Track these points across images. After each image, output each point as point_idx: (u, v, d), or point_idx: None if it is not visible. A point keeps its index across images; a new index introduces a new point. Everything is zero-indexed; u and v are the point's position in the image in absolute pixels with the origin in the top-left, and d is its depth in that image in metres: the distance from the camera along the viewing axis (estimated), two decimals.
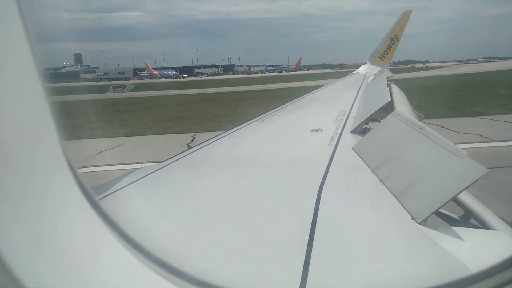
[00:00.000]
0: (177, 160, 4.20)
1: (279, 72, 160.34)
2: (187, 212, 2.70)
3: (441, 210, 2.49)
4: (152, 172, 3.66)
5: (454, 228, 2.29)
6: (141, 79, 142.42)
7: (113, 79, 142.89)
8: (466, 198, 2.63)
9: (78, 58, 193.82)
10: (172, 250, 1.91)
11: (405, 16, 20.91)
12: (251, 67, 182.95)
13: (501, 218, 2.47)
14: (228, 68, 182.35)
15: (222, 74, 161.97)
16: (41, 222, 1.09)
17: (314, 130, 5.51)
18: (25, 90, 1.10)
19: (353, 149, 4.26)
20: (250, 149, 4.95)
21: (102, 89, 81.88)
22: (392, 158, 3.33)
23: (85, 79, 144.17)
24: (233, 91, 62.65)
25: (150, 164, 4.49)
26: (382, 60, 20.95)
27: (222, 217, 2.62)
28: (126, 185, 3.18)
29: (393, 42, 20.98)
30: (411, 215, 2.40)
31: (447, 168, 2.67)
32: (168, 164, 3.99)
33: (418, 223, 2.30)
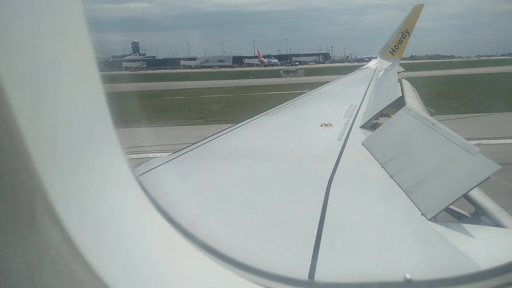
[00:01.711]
0: (188, 151, 4.24)
1: (367, 61, 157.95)
2: (203, 200, 2.80)
3: (451, 207, 2.48)
4: (164, 163, 3.70)
5: (465, 225, 2.27)
6: (249, 66, 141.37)
7: (213, 66, 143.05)
8: (478, 195, 2.61)
9: (135, 47, 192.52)
10: (201, 227, 2.05)
11: (416, 10, 20.60)
12: (350, 56, 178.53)
13: None
14: (325, 57, 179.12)
15: (322, 62, 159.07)
16: (106, 217, 1.13)
17: (323, 124, 5.50)
18: (83, 81, 1.11)
19: (363, 144, 4.24)
20: (261, 143, 4.97)
21: (274, 74, 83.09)
22: (402, 154, 3.31)
23: (186, 67, 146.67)
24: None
25: None
26: (393, 54, 20.71)
27: (235, 206, 2.69)
28: (143, 173, 3.25)
29: (404, 36, 20.72)
30: (421, 211, 2.39)
31: (459, 164, 2.65)
32: (180, 156, 4.02)
33: (428, 219, 2.29)
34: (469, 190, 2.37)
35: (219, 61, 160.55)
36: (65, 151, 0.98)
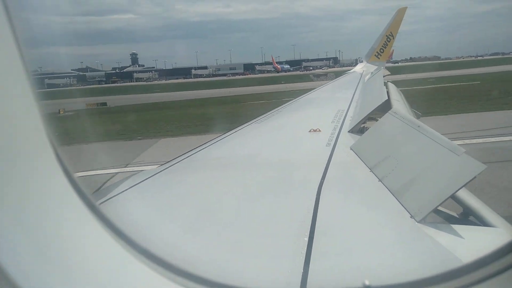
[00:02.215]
0: (176, 163, 4.21)
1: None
2: (189, 214, 2.72)
3: (440, 208, 2.49)
4: (152, 176, 3.67)
5: (453, 226, 2.28)
6: (261, 73, 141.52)
7: (227, 74, 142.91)
8: (465, 195, 2.63)
9: (134, 58, 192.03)
10: (175, 250, 1.92)
11: (400, 14, 20.92)
12: (358, 59, 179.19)
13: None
14: (334, 61, 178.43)
15: (332, 66, 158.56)
16: (40, 230, 1.09)
17: (312, 130, 5.51)
18: (16, 96, 1.09)
19: (351, 149, 4.26)
20: (249, 151, 4.96)
21: (305, 79, 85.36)
22: (390, 157, 3.33)
23: (197, 75, 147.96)
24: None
25: None
26: (379, 58, 20.95)
27: (222, 218, 2.64)
28: (126, 190, 3.18)
29: (388, 39, 20.99)
30: (410, 214, 2.40)
31: (445, 165, 2.67)
32: (167, 168, 3.99)
33: (417, 221, 2.30)
34: (457, 191, 2.39)
35: (230, 68, 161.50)
36: None
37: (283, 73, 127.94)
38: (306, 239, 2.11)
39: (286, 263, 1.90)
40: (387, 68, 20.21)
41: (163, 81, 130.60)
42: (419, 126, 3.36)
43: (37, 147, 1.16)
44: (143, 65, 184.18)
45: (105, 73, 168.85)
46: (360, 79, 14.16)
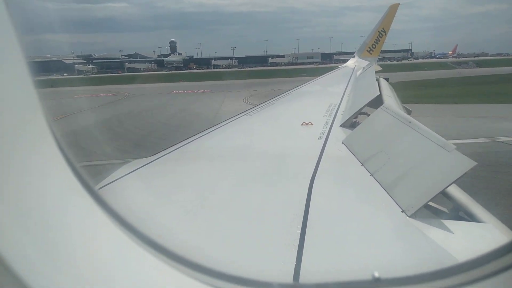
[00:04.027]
0: (169, 153, 4.18)
1: (438, 58, 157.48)
2: (181, 205, 2.71)
3: (430, 203, 2.52)
4: (145, 165, 3.64)
5: (444, 221, 2.32)
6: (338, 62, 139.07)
7: (304, 63, 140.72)
8: (455, 191, 2.67)
9: (173, 46, 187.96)
10: (170, 239, 1.93)
11: (392, 10, 21.00)
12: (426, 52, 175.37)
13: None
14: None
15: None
16: (43, 219, 1.08)
17: (304, 123, 5.53)
18: (15, 86, 1.07)
19: (343, 143, 4.28)
20: (242, 143, 4.94)
21: (445, 66, 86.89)
22: (381, 152, 3.36)
23: (274, 64, 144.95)
24: None
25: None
26: (370, 53, 21.04)
27: (216, 210, 2.64)
28: (118, 179, 3.17)
29: (381, 35, 21.08)
30: (401, 208, 2.43)
31: (436, 161, 2.70)
32: (159, 158, 3.96)
33: (408, 216, 2.33)
34: (447, 187, 2.43)
35: (308, 57, 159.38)
36: None
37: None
38: (299, 231, 2.13)
39: (279, 254, 1.91)
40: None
41: (247, 68, 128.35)
42: (410, 122, 3.39)
43: (38, 137, 1.14)
44: (181, 53, 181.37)
45: (183, 59, 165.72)
46: (352, 74, 14.20)
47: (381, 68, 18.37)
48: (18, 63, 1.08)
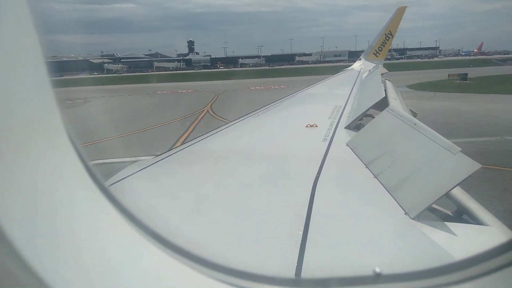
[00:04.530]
0: (174, 153, 4.22)
1: (463, 56, 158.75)
2: (188, 202, 2.75)
3: (434, 205, 2.53)
4: (151, 165, 3.68)
5: (447, 223, 2.32)
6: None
7: (331, 61, 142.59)
8: (459, 193, 2.67)
9: (191, 46, 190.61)
10: (177, 233, 2.02)
11: (399, 12, 20.91)
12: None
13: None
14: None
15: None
16: (53, 213, 1.11)
17: (309, 125, 5.54)
18: (32, 84, 1.10)
19: (347, 145, 4.28)
20: (247, 144, 4.97)
21: (490, 63, 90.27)
22: (386, 154, 3.36)
23: (300, 62, 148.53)
24: None
25: None
26: (377, 56, 20.96)
27: (220, 209, 2.67)
28: (127, 176, 3.22)
29: (387, 38, 20.99)
30: (404, 210, 2.43)
31: (441, 163, 2.70)
32: (163, 159, 3.99)
33: (411, 218, 2.33)
34: (451, 189, 2.42)
35: (335, 55, 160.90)
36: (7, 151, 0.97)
37: (395, 61, 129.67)
38: (301, 232, 2.14)
39: (281, 252, 1.94)
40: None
41: (277, 67, 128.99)
42: (415, 124, 3.39)
43: (52, 133, 1.17)
44: (198, 53, 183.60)
45: (210, 58, 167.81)
46: (357, 76, 14.18)
47: (387, 71, 18.31)
48: (35, 62, 1.11)
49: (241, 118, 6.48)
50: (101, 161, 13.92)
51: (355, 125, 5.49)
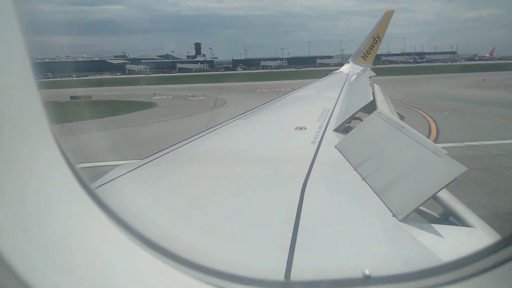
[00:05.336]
0: (161, 156, 4.17)
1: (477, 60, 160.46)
2: (177, 205, 2.73)
3: (421, 207, 2.56)
4: (138, 167, 3.64)
5: (434, 225, 2.35)
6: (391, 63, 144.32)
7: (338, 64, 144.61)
8: (445, 196, 2.71)
9: (198, 48, 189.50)
10: (166, 236, 1.97)
11: (387, 16, 21.19)
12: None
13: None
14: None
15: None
16: (42, 217, 1.10)
17: (298, 128, 5.56)
18: (17, 84, 1.09)
19: (336, 147, 4.31)
20: (236, 146, 4.95)
21: (506, 68, 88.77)
22: (374, 156, 3.39)
23: (321, 64, 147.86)
24: None
25: None
26: (365, 59, 21.17)
27: (208, 212, 2.65)
28: (114, 178, 3.18)
29: (375, 41, 21.22)
30: (392, 213, 2.46)
31: (427, 166, 2.74)
32: (151, 161, 3.95)
33: (399, 220, 2.36)
34: (438, 191, 2.46)
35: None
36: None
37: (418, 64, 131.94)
38: (290, 234, 2.15)
39: (271, 254, 1.94)
40: None
41: (302, 69, 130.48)
42: (403, 127, 3.43)
43: (38, 137, 1.16)
44: (205, 55, 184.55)
45: (232, 60, 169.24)
46: (346, 80, 14.29)
47: (375, 74, 18.50)
48: (21, 64, 1.09)
49: (230, 120, 6.46)
50: None
51: (344, 128, 5.53)
